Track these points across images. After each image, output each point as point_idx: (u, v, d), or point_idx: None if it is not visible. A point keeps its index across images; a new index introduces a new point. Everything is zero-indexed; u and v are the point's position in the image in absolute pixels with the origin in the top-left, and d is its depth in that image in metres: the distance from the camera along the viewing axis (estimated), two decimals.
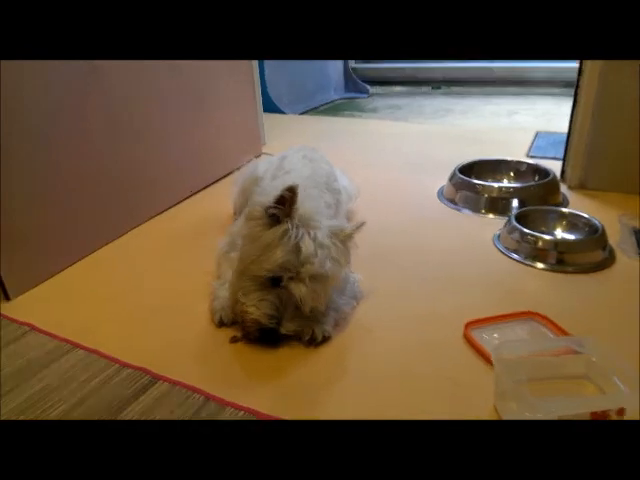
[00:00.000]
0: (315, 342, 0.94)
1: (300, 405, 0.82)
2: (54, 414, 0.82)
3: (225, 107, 1.80)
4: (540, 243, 1.17)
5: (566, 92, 3.03)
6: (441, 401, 0.81)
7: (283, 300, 0.90)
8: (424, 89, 3.51)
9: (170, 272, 1.25)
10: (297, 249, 0.88)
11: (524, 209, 1.31)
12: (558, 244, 1.16)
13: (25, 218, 1.16)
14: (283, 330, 0.91)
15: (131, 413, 0.81)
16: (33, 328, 1.05)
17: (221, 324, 1.01)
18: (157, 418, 0.80)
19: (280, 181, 1.10)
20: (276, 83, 2.80)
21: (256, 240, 0.91)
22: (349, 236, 0.95)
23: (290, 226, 0.88)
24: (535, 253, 1.17)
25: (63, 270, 1.27)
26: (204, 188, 1.75)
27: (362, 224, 0.96)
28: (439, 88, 3.52)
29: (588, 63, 1.42)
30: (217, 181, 1.80)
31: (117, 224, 1.43)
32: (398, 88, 3.55)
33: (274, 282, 0.89)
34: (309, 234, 0.89)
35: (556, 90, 3.15)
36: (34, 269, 1.21)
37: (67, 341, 1.00)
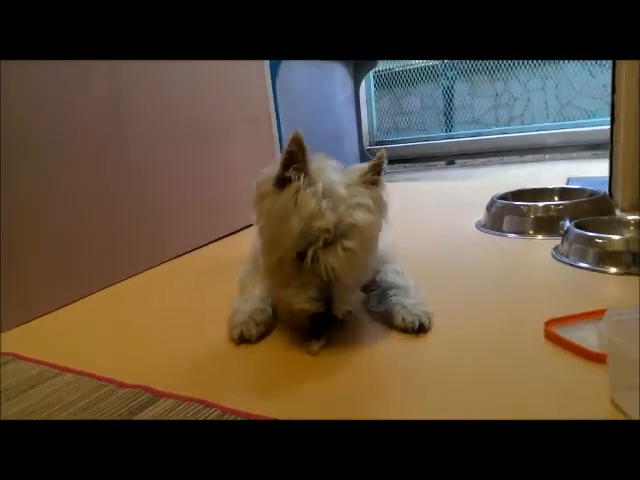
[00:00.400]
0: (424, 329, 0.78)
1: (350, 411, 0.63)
2: None
3: (247, 173, 1.76)
4: (611, 245, 1.00)
5: (584, 155, 3.00)
6: (543, 405, 0.60)
7: (324, 278, 0.72)
8: (439, 164, 3.51)
9: (178, 308, 1.10)
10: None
11: (581, 219, 1.15)
12: (631, 243, 0.99)
13: (27, 255, 1.07)
14: (337, 312, 0.73)
15: None
16: (17, 357, 0.88)
17: (241, 340, 0.83)
18: None
19: None
20: None
21: (269, 218, 0.75)
22: (375, 179, 0.76)
23: (301, 183, 0.71)
24: (605, 257, 1.00)
25: (64, 307, 1.13)
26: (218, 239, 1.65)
27: (382, 150, 0.76)
28: (453, 163, 3.51)
29: (623, 74, 1.35)
30: (234, 233, 1.70)
31: (128, 264, 1.31)
32: (414, 164, 3.56)
33: (304, 260, 0.71)
34: (311, 189, 0.71)
35: (574, 154, 3.11)
36: (26, 307, 1.07)
37: (54, 366, 0.82)
